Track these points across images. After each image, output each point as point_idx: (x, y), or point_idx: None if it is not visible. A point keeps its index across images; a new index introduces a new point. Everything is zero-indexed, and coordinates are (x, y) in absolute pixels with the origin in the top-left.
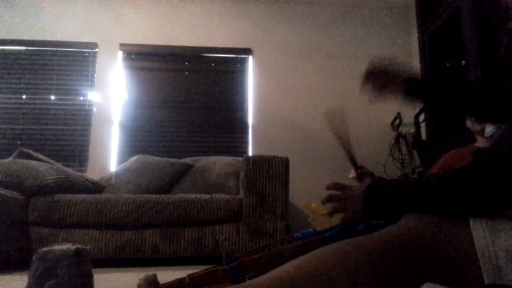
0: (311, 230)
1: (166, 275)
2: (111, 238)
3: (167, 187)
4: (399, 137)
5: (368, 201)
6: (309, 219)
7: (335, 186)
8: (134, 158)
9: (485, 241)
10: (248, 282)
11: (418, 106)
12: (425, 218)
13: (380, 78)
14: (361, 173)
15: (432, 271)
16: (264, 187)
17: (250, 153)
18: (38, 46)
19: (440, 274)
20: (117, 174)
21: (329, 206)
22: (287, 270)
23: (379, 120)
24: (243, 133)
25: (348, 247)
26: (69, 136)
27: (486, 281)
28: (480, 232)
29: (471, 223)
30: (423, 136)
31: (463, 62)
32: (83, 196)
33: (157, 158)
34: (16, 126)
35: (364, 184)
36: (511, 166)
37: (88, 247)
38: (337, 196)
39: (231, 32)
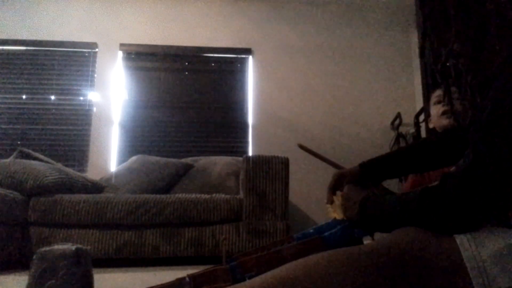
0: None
1: (166, 275)
2: (111, 238)
3: (167, 187)
4: (399, 137)
5: (361, 216)
6: (328, 207)
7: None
8: (134, 158)
9: (470, 248)
10: (248, 281)
11: (418, 106)
12: (414, 230)
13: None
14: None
15: (422, 280)
16: (264, 187)
17: (250, 153)
18: (38, 46)
19: (430, 283)
20: (117, 174)
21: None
22: (287, 270)
23: (379, 120)
24: (243, 133)
25: (344, 254)
26: (69, 136)
27: (475, 286)
28: (464, 240)
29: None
30: (423, 136)
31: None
32: (83, 196)
33: (157, 158)
34: (16, 126)
35: (360, 193)
36: (474, 188)
37: (88, 247)
38: (343, 194)
39: (231, 32)
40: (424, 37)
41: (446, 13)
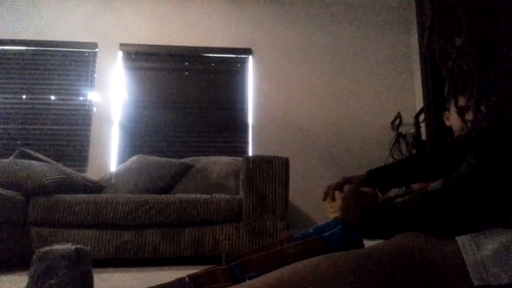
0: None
1: (166, 275)
2: (111, 238)
3: (167, 187)
4: (399, 137)
5: (363, 227)
6: (327, 205)
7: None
8: (134, 158)
9: (471, 247)
10: (248, 282)
11: (418, 106)
12: (414, 233)
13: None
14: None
15: (423, 280)
16: (264, 187)
17: (250, 153)
18: (38, 46)
19: (430, 282)
20: (117, 174)
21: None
22: (288, 271)
23: (379, 120)
24: (243, 133)
25: (345, 257)
26: (69, 136)
27: (475, 283)
28: (465, 240)
29: None
30: (423, 136)
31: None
32: (83, 196)
33: (157, 158)
34: (16, 126)
35: (359, 199)
36: (476, 192)
37: (88, 247)
38: (343, 195)
39: (231, 32)
40: (430, 32)
41: (455, 11)
